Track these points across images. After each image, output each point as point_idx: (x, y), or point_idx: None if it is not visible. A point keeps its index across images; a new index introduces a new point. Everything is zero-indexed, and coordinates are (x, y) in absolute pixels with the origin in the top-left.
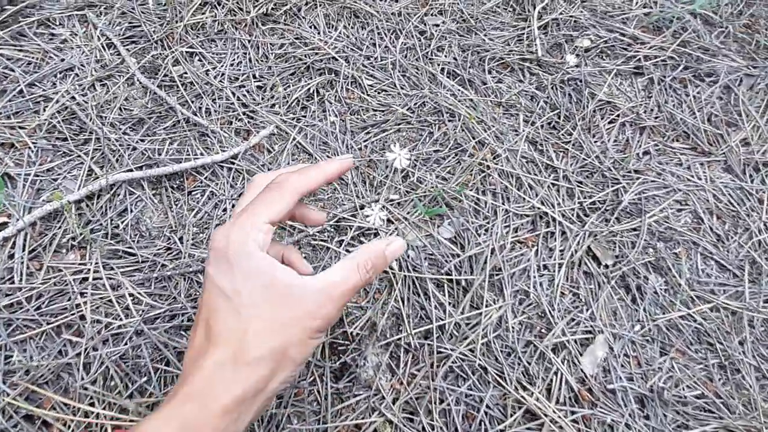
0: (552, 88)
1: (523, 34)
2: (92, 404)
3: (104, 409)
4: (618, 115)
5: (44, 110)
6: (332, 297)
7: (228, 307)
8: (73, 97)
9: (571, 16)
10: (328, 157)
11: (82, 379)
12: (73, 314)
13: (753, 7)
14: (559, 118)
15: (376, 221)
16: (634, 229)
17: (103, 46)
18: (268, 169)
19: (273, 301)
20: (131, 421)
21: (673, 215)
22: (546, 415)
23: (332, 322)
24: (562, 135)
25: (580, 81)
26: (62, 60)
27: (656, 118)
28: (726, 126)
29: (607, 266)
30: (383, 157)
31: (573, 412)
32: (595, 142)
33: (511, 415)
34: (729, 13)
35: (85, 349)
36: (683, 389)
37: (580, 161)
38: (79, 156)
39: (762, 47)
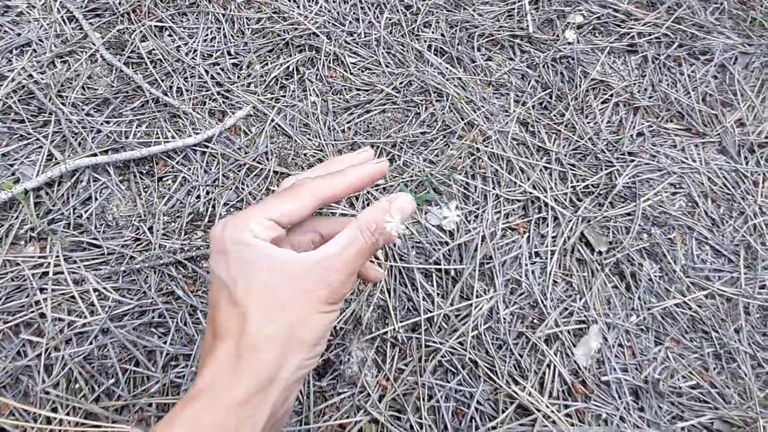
0: (543, 66)
1: (514, 9)
2: (55, 409)
3: (68, 414)
4: (611, 95)
5: None
6: (335, 265)
7: (228, 298)
8: (31, 75)
9: None
10: (308, 140)
11: (44, 382)
12: (32, 312)
13: None
14: (551, 97)
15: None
16: (628, 214)
17: (63, 20)
18: (245, 153)
19: (272, 284)
20: (96, 426)
21: (668, 199)
22: (539, 410)
23: (342, 292)
24: (554, 116)
25: (573, 59)
26: (18, 35)
27: (650, 97)
28: (721, 106)
29: (600, 253)
30: (430, 214)
31: (566, 406)
32: (588, 123)
33: (503, 411)
34: None
35: (46, 350)
36: (678, 380)
37: (572, 143)
38: (38, 139)
39: (757, 24)
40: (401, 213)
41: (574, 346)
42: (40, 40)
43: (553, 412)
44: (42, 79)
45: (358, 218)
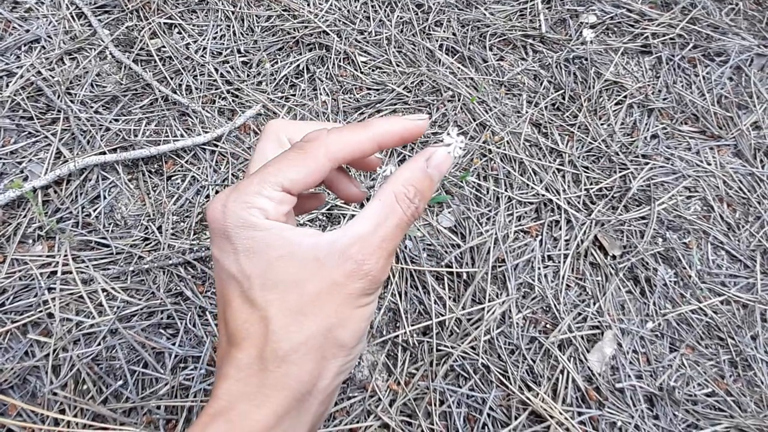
0: (556, 66)
1: (526, 8)
2: (62, 411)
3: (76, 416)
4: (625, 97)
5: (7, 86)
6: (371, 247)
7: (240, 295)
8: (39, 72)
9: None
10: None
11: (51, 383)
12: (40, 312)
13: None
14: (564, 98)
15: None
16: (643, 218)
17: (72, 16)
18: None
19: (294, 275)
20: (104, 428)
21: (683, 203)
22: (552, 417)
23: (381, 278)
24: (567, 117)
25: (586, 59)
26: (27, 31)
27: (664, 99)
28: (736, 108)
29: (614, 257)
30: (437, 141)
31: (580, 413)
32: (602, 124)
33: (516, 417)
34: None
35: (54, 350)
36: (693, 387)
37: (586, 145)
38: (46, 137)
39: None
40: (438, 171)
41: (588, 351)
42: (48, 37)
43: (566, 419)
44: (51, 76)
45: (391, 185)
